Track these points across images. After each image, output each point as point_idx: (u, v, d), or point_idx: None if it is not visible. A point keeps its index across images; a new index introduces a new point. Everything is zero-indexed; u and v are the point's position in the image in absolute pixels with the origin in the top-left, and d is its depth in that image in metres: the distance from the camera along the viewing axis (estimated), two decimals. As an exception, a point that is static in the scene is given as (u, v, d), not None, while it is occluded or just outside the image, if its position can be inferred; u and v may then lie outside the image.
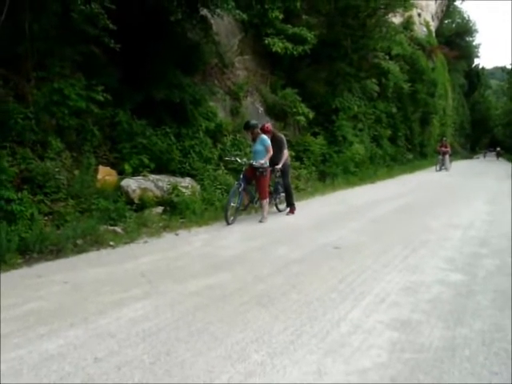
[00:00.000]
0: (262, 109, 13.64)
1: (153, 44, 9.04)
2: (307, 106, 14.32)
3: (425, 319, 3.83)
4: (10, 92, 7.19)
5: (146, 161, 8.48)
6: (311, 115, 14.31)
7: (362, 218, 8.67)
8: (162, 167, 8.80)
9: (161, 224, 7.41)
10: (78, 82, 7.69)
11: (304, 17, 15.05)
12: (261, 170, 8.35)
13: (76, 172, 7.42)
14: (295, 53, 13.00)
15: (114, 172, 8.09)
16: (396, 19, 21.04)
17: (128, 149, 8.45)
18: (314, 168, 14.12)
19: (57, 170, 7.04)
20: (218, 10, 9.13)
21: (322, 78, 16.05)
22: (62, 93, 7.25)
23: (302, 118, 14.07)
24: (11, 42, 7.23)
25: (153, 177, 8.32)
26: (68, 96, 7.29)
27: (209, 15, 9.92)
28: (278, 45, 12.84)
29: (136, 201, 7.70)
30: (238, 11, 8.98)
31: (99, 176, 7.68)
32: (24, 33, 7.11)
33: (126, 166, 8.22)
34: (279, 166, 8.90)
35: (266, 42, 12.98)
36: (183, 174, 9.11)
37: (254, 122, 8.78)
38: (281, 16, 13.12)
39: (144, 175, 8.24)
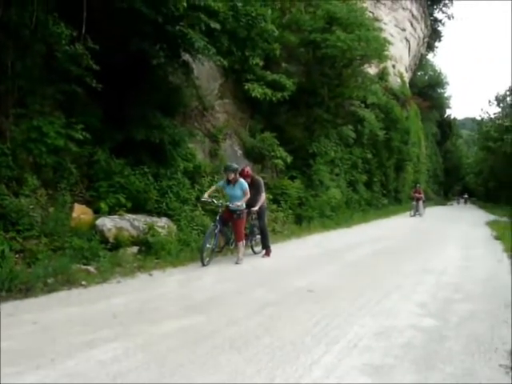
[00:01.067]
0: (240, 151, 13.83)
1: (134, 85, 9.19)
2: (285, 150, 14.57)
3: (398, 363, 3.84)
4: (-11, 129, 7.18)
5: (123, 200, 8.44)
6: (289, 159, 14.55)
7: (338, 262, 8.73)
8: (138, 206, 8.77)
9: (135, 264, 7.32)
10: (58, 120, 7.73)
11: (283, 65, 15.55)
12: (238, 212, 8.40)
13: (51, 209, 7.33)
14: (274, 98, 13.32)
15: (89, 210, 8.02)
16: (371, 70, 21.87)
17: (105, 187, 8.42)
18: (290, 211, 14.23)
19: (31, 207, 6.96)
20: (200, 56, 9.39)
21: (300, 123, 16.44)
22: (41, 130, 7.27)
23: (279, 161, 14.29)
24: (-7, 80, 7.28)
25: (129, 216, 8.26)
26: (46, 134, 7.31)
27: (190, 60, 10.17)
28: (257, 90, 13.16)
29: (111, 240, 7.61)
30: (218, 57, 9.24)
31: (74, 214, 7.60)
32: (7, 71, 7.17)
33: (102, 205, 8.16)
34: (256, 208, 8.89)
35: (246, 87, 13.30)
36: (160, 214, 9.07)
37: (235, 165, 8.75)
38: (261, 63, 13.49)
39: (120, 214, 8.18)
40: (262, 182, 9.39)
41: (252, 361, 3.76)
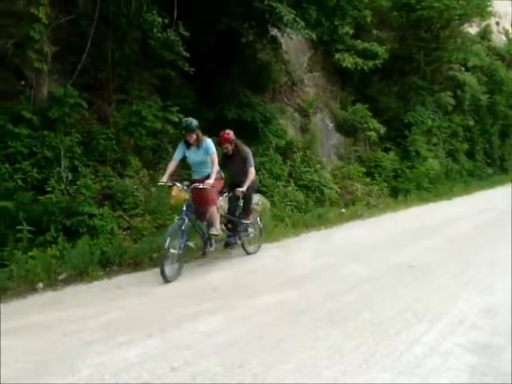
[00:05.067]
0: (331, 125, 13.59)
1: (224, 65, 9.34)
2: (378, 122, 14.07)
3: (507, 343, 3.61)
4: (94, 115, 7.72)
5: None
6: (382, 130, 14.04)
7: (437, 236, 8.33)
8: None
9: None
10: (155, 104, 8.07)
11: (374, 31, 14.90)
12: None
13: (153, 189, 7.76)
14: (366, 68, 12.87)
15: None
16: (472, 29, 20.23)
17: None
18: (385, 184, 13.78)
19: (135, 187, 7.40)
20: (288, 30, 9.28)
21: (394, 92, 15.74)
22: (140, 114, 7.63)
23: (372, 133, 13.84)
24: (95, 69, 7.79)
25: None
26: (145, 117, 7.67)
27: (279, 35, 10.10)
28: (348, 60, 12.79)
29: (208, 217, 7.89)
30: (307, 31, 9.06)
31: (173, 193, 7.95)
32: (107, 60, 7.62)
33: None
34: (243, 188, 6.56)
35: (336, 57, 12.97)
36: (253, 191, 9.23)
37: (194, 121, 6.10)
38: (351, 32, 13.08)
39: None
40: (250, 153, 6.97)
41: (351, 336, 3.75)
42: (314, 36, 9.68)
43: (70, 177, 6.52)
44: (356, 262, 6.32)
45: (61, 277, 5.47)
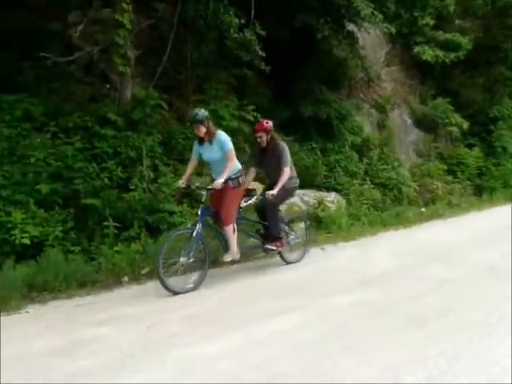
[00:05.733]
0: (410, 121, 13.10)
1: (300, 62, 9.31)
2: (461, 116, 13.35)
3: None
4: (173, 115, 8.01)
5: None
6: (465, 125, 13.31)
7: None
8: (307, 182, 8.94)
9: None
10: (232, 103, 8.23)
11: (457, 21, 14.18)
12: (232, 178, 5.40)
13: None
14: (447, 60, 12.27)
15: (261, 186, 8.44)
16: None
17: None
18: (468, 182, 13.06)
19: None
20: (365, 24, 9.06)
21: (479, 84, 14.85)
22: (217, 113, 7.79)
23: (454, 128, 13.16)
24: (175, 71, 8.08)
25: (299, 191, 8.47)
26: (222, 116, 7.83)
27: (355, 30, 9.89)
28: (428, 53, 12.26)
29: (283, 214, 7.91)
30: (385, 24, 8.80)
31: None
32: (186, 62, 7.86)
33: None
34: (274, 191, 5.57)
35: (416, 51, 12.49)
36: (328, 189, 9.13)
37: (203, 111, 5.43)
38: (432, 22, 12.53)
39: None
40: (286, 149, 5.95)
41: (434, 339, 3.58)
42: (392, 29, 9.40)
43: (151, 175, 6.79)
44: (437, 263, 6.03)
45: (143, 271, 5.72)
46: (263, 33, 7.62)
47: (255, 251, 6.26)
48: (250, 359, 3.33)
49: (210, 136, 5.35)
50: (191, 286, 5.08)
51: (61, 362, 3.40)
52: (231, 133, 8.20)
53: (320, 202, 8.33)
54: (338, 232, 7.88)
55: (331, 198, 8.76)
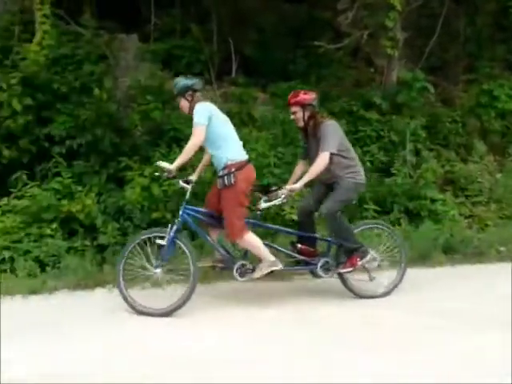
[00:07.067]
0: None
1: None
2: None
3: None
4: (438, 97, 7.61)
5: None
6: None
7: None
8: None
9: None
10: (508, 82, 7.37)
11: None
12: (220, 174, 3.92)
13: (498, 176, 7.16)
14: None
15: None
16: None
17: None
18: None
19: (479, 173, 7.00)
20: None
21: None
22: (491, 94, 7.11)
23: None
24: (442, 50, 7.63)
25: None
26: (497, 97, 7.09)
27: None
28: None
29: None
30: None
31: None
32: (457, 39, 7.35)
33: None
34: (297, 186, 4.08)
35: None
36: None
37: (185, 80, 3.98)
38: None
39: None
40: (332, 128, 4.17)
41: None
42: None
43: (414, 160, 6.61)
44: None
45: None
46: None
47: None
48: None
49: (192, 111, 3.92)
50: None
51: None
52: (503, 116, 7.42)
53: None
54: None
55: None
